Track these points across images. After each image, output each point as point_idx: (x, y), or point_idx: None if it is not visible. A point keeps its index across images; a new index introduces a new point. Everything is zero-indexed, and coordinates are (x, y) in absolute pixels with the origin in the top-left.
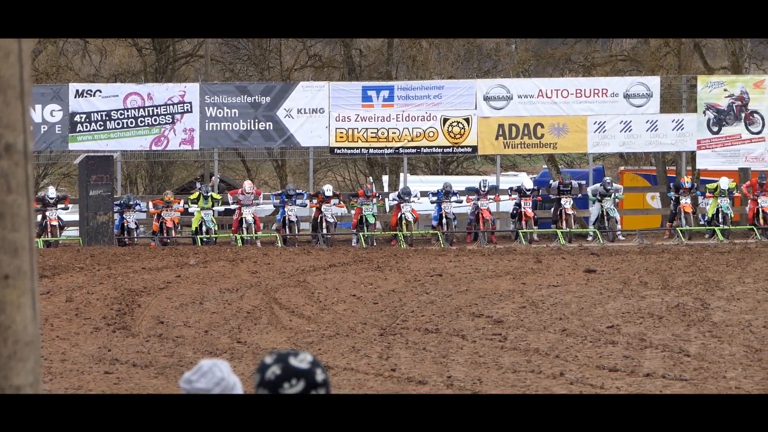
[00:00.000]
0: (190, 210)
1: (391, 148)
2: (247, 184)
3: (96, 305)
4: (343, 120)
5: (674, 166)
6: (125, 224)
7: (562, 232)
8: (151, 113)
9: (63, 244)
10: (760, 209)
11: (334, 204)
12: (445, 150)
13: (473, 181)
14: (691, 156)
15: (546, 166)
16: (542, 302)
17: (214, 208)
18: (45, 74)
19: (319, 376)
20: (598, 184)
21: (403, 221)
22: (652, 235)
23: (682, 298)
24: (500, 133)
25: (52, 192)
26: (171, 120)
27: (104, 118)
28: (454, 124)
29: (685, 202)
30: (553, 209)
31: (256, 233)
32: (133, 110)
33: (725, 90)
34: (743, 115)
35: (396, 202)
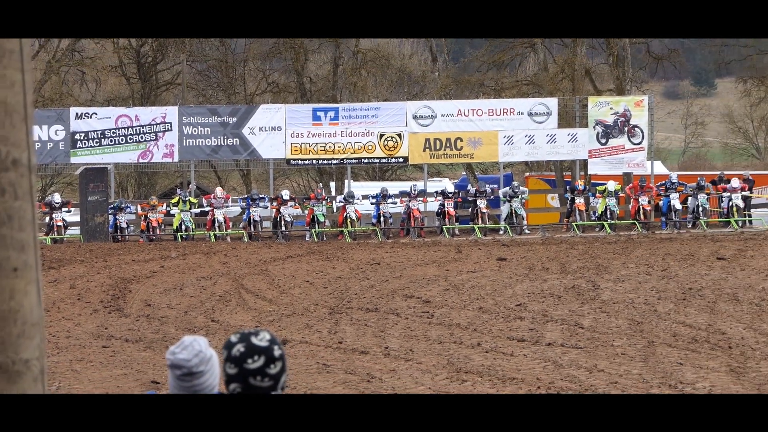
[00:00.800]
0: (171, 212)
1: (337, 159)
2: (219, 190)
3: (95, 291)
4: (297, 136)
5: (570, 172)
6: (118, 224)
7: (478, 227)
8: (138, 132)
9: (67, 240)
10: (641, 206)
11: (291, 206)
12: (381, 160)
13: (405, 185)
14: (584, 163)
15: (465, 173)
16: (462, 285)
17: (191, 210)
18: (50, 100)
19: (276, 351)
20: (507, 188)
21: (348, 219)
22: (552, 229)
23: (577, 280)
24: (427, 146)
25: (57, 198)
26: (155, 137)
27: (99, 136)
28: (389, 138)
29: (579, 201)
30: (470, 208)
31: (226, 231)
32: (123, 129)
33: (611, 108)
34: (626, 129)
35: (342, 204)
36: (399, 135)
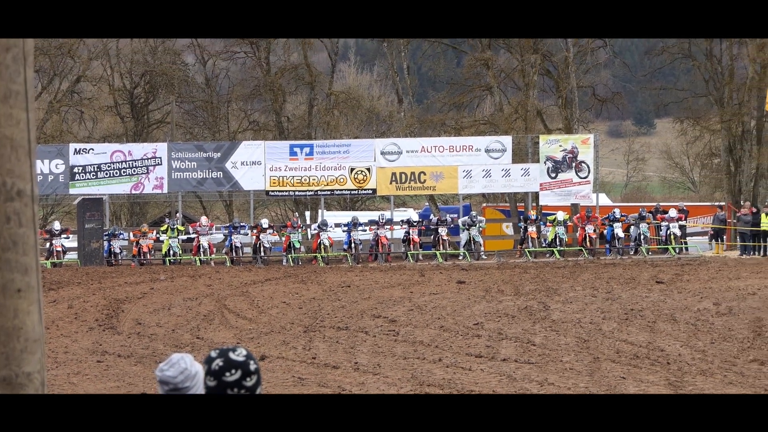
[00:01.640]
0: (161, 238)
1: (311, 190)
2: (204, 219)
3: (90, 311)
4: (276, 170)
5: (523, 203)
6: (112, 249)
7: (440, 253)
8: (131, 166)
9: (65, 264)
10: (587, 235)
11: (269, 233)
12: (352, 192)
13: (374, 215)
14: (536, 195)
15: (428, 204)
16: (425, 306)
17: (179, 237)
18: (51, 136)
19: (252, 366)
20: (466, 217)
21: (322, 246)
22: (507, 255)
23: (529, 302)
24: (393, 179)
25: (57, 225)
26: (146, 171)
27: (96, 170)
28: (359, 172)
29: (532, 229)
30: (432, 236)
31: (210, 256)
32: (117, 164)
33: (560, 146)
34: (574, 164)
35: (316, 231)
36: (368, 169)
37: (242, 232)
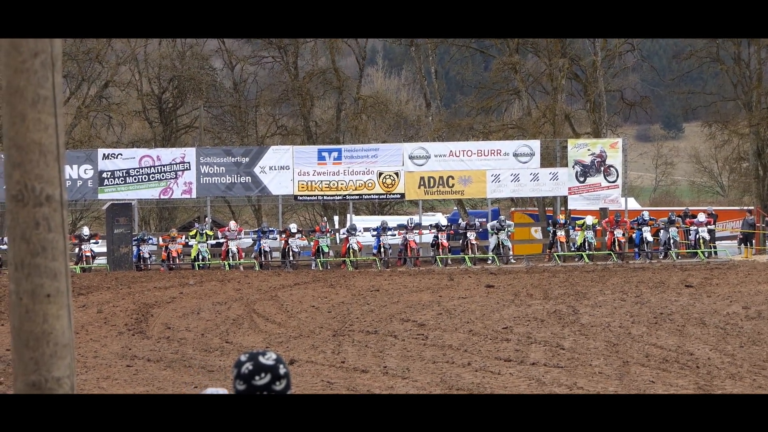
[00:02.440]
0: (190, 243)
1: (340, 195)
2: (232, 224)
3: (119, 315)
4: (304, 174)
5: (551, 207)
6: (141, 254)
7: (468, 257)
8: (159, 171)
9: (94, 269)
10: (616, 239)
11: (298, 238)
12: (380, 196)
13: (402, 219)
14: (564, 199)
15: (456, 208)
16: (454, 310)
17: (207, 242)
18: (80, 142)
19: (282, 370)
20: (495, 221)
21: (351, 250)
22: (536, 259)
23: (558, 306)
24: (422, 183)
25: (86, 231)
26: (174, 176)
27: (124, 175)
28: (387, 176)
29: (561, 234)
30: (461, 240)
31: (239, 260)
32: (146, 169)
33: (589, 150)
34: (602, 168)
35: (345, 236)
36: (396, 173)
37: (271, 236)
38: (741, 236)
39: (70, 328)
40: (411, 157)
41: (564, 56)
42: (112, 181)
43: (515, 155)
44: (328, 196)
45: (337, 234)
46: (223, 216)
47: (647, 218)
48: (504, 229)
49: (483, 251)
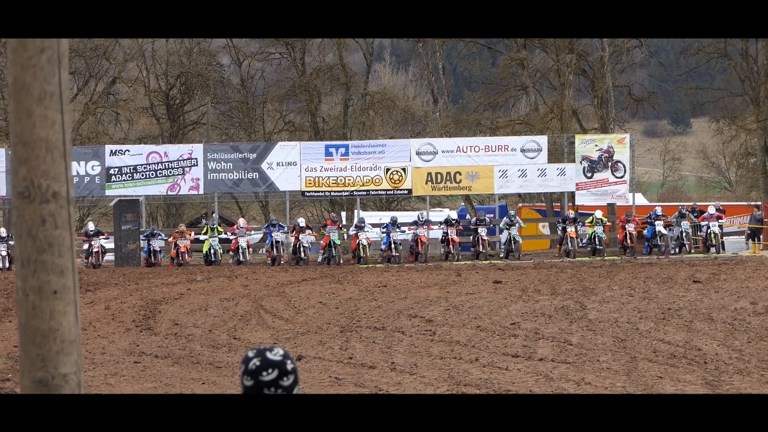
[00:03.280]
0: (200, 239)
1: (347, 191)
2: (241, 221)
3: (127, 312)
4: (311, 170)
5: (558, 203)
6: (152, 249)
7: (479, 254)
8: (167, 167)
9: (103, 266)
10: (627, 233)
11: (308, 233)
12: (387, 192)
13: (409, 215)
14: (571, 195)
15: (463, 204)
16: (462, 306)
17: (219, 236)
18: (87, 138)
19: (289, 365)
20: (506, 217)
21: (360, 246)
22: (545, 255)
23: (566, 301)
24: (429, 179)
25: (91, 226)
26: (182, 172)
27: (132, 171)
28: (395, 172)
29: (571, 230)
30: (472, 236)
31: (248, 257)
32: (153, 165)
33: (596, 145)
34: (610, 164)
35: (355, 232)
36: (404, 169)
37: (280, 231)
38: (749, 232)
39: (76, 324)
40: (418, 153)
41: (571, 52)
42: (119, 178)
43: (522, 151)
44: (335, 191)
45: (345, 230)
46: (230, 212)
47: (660, 213)
48: (514, 225)
49: (492, 247)
